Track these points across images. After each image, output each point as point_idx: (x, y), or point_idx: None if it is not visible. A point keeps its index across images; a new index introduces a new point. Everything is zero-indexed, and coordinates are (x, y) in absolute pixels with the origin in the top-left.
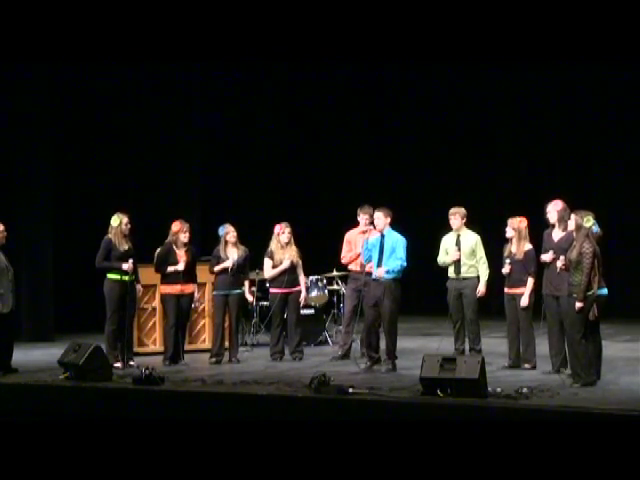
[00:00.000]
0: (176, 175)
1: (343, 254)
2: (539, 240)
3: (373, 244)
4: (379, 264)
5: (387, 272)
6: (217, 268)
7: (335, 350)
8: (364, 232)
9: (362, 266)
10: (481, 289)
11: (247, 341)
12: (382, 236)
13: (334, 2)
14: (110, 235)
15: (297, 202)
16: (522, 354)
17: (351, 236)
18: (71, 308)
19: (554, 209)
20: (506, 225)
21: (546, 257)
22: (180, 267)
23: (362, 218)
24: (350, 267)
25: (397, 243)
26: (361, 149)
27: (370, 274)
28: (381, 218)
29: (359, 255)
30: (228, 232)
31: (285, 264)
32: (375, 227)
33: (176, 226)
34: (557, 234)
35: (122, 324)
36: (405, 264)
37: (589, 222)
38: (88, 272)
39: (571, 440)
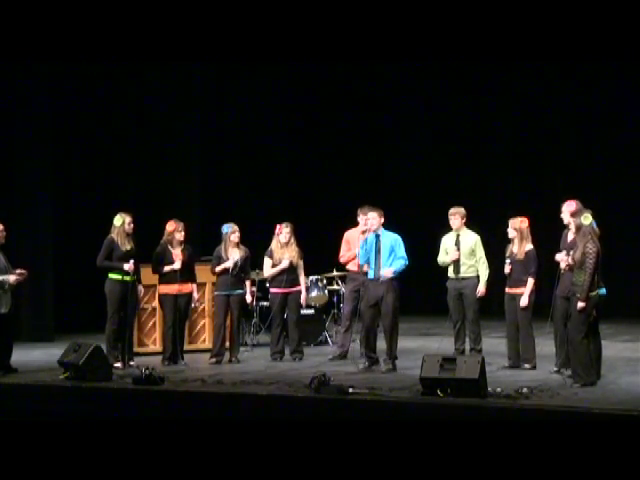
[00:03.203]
0: (176, 175)
1: (342, 253)
2: (541, 240)
3: (370, 245)
4: (377, 264)
5: (394, 272)
6: (218, 269)
7: (335, 350)
8: (364, 232)
9: (360, 266)
10: (481, 289)
11: (247, 341)
12: (377, 236)
13: (335, 3)
14: (113, 235)
15: (297, 202)
16: (522, 354)
17: (350, 236)
18: (71, 308)
19: (567, 209)
20: (507, 225)
21: (559, 257)
22: (176, 266)
23: (362, 218)
24: (348, 267)
25: (395, 243)
26: (361, 149)
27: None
28: (376, 218)
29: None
30: (234, 232)
31: (284, 264)
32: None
33: (171, 225)
34: (571, 235)
35: (123, 324)
36: (407, 262)
37: (587, 219)
38: (88, 272)
39: (571, 440)
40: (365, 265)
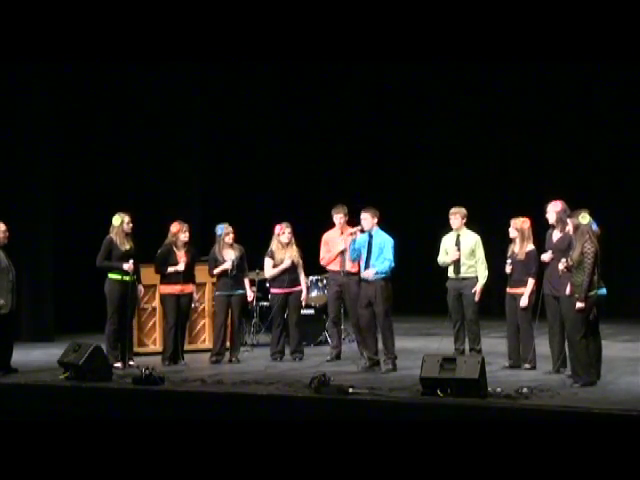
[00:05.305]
0: (176, 175)
1: (322, 255)
2: (543, 241)
3: (362, 244)
4: (367, 264)
5: (376, 273)
6: (216, 271)
7: (330, 352)
8: (351, 233)
9: (342, 265)
10: (476, 289)
11: (247, 341)
12: (370, 236)
13: (334, 2)
14: (112, 234)
15: (297, 202)
16: (522, 354)
17: (329, 237)
18: (71, 308)
19: (553, 209)
20: (509, 225)
21: (545, 257)
22: (180, 267)
23: (336, 218)
24: (329, 268)
25: (385, 244)
26: (361, 149)
27: (351, 274)
28: (368, 218)
29: (337, 256)
30: (228, 233)
31: (286, 263)
32: (362, 227)
33: (175, 227)
34: (556, 235)
35: (122, 324)
36: (393, 264)
37: (585, 219)
38: (88, 272)
39: (571, 440)
40: (354, 263)
